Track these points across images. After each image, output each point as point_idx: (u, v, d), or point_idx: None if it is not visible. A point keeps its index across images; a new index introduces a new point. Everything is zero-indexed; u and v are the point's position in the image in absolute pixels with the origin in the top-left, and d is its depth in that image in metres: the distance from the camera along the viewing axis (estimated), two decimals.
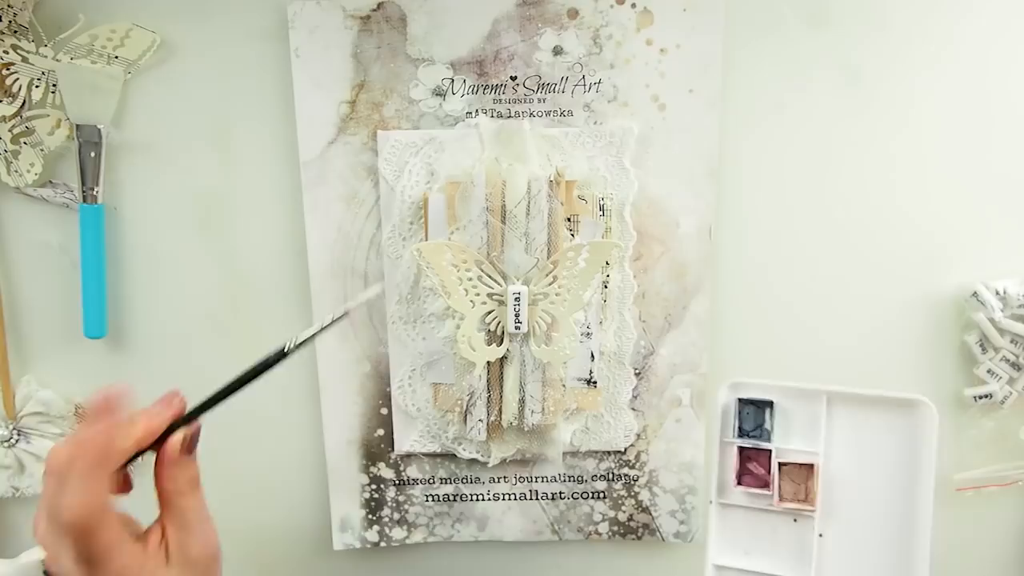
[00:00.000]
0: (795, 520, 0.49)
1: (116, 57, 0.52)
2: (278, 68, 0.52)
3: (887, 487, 0.47)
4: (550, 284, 0.51)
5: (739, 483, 0.49)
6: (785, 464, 0.48)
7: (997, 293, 0.54)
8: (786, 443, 0.49)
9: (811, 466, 0.48)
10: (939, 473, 0.58)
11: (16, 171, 0.53)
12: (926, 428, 0.46)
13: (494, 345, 0.52)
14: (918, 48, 0.52)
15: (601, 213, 0.53)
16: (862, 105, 0.53)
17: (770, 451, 0.48)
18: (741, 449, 0.49)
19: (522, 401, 0.53)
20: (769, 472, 0.48)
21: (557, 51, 0.52)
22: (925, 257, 0.55)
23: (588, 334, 0.54)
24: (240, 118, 0.54)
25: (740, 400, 0.49)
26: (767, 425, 0.49)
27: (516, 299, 0.51)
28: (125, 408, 0.38)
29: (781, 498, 0.48)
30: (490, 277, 0.52)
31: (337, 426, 0.57)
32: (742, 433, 0.49)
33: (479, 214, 0.51)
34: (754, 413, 0.49)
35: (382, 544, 0.59)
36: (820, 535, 0.48)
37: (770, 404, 0.49)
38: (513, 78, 0.52)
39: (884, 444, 0.47)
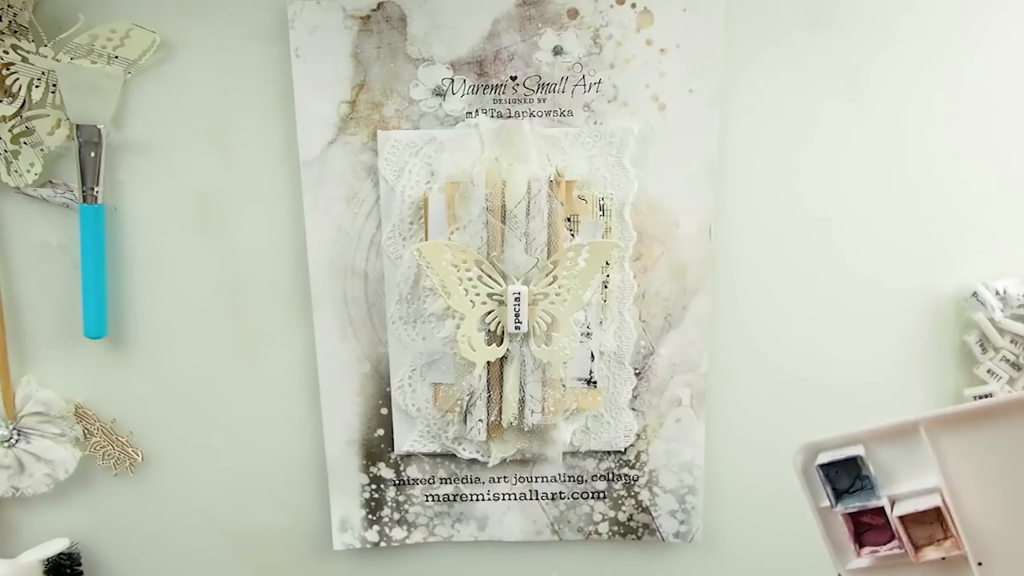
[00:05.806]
0: (943, 559, 0.40)
1: (116, 57, 0.52)
2: (278, 68, 0.52)
3: None
4: (550, 284, 0.51)
5: (862, 545, 0.41)
6: (906, 515, 0.40)
7: (997, 293, 0.54)
8: (896, 487, 0.40)
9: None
10: None
11: (16, 171, 0.53)
12: None
13: (494, 345, 0.52)
14: (918, 48, 0.52)
15: (601, 213, 0.53)
16: (862, 105, 0.53)
17: (882, 507, 0.40)
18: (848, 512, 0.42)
19: (522, 401, 0.53)
20: (890, 525, 0.40)
21: (557, 51, 0.52)
22: (925, 257, 0.55)
23: (588, 334, 0.54)
24: (240, 118, 0.54)
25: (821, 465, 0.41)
26: (865, 472, 0.40)
27: (516, 299, 0.51)
28: None
29: (917, 549, 0.40)
30: (490, 277, 0.52)
31: (337, 426, 0.57)
32: (838, 495, 0.41)
33: (479, 214, 0.51)
34: (845, 468, 0.40)
35: (382, 544, 0.59)
36: (979, 563, 0.39)
37: (858, 458, 0.41)
38: (513, 78, 0.52)
39: (1008, 450, 0.38)
